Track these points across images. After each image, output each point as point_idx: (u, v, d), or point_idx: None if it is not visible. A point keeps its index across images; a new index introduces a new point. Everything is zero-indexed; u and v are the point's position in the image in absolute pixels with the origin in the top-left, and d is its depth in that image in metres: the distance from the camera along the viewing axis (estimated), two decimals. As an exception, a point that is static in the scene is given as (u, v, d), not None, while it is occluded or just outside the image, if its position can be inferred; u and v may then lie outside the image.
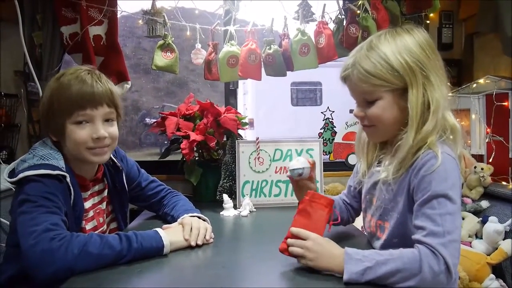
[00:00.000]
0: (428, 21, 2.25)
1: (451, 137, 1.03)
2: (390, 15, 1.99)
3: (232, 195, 1.87)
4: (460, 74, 2.40)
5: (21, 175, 1.08)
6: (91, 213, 1.28)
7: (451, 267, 0.90)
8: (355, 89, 1.06)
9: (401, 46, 1.00)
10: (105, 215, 1.35)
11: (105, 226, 1.35)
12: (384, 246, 1.08)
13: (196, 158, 1.96)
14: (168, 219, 1.44)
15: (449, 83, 1.06)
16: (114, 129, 1.22)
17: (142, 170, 1.52)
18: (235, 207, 1.75)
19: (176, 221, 1.31)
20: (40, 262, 0.96)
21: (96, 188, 1.32)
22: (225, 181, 1.92)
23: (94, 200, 1.31)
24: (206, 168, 1.95)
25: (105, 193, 1.36)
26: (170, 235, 1.15)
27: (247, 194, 1.81)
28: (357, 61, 1.02)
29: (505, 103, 2.05)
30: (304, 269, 1.00)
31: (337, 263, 0.95)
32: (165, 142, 2.14)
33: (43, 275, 0.95)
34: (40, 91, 1.90)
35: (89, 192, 1.29)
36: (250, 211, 1.70)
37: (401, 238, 1.04)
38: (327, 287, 0.92)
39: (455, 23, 2.38)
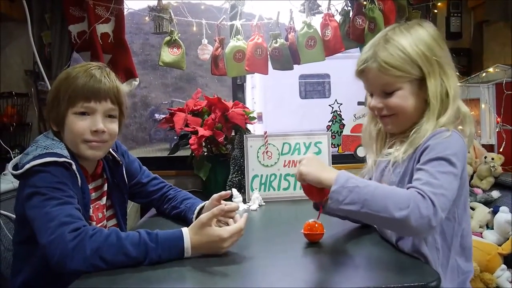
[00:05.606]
0: (436, 10, 2.23)
1: (460, 126, 1.05)
2: (397, 5, 1.97)
3: (241, 189, 1.88)
4: (469, 63, 2.37)
5: (27, 166, 1.07)
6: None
7: (438, 214, 0.88)
8: (374, 82, 1.07)
9: (416, 38, 1.04)
10: (104, 210, 1.34)
11: (105, 221, 1.33)
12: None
13: (205, 153, 1.98)
14: (179, 211, 1.42)
15: (457, 73, 1.09)
16: (114, 126, 1.22)
17: (144, 168, 1.51)
18: (244, 201, 1.76)
19: (192, 211, 1.34)
20: (59, 259, 0.97)
21: (93, 185, 1.31)
22: (234, 175, 1.94)
23: (93, 196, 1.29)
24: (215, 163, 1.96)
25: (105, 187, 1.34)
26: (197, 237, 1.05)
27: (256, 188, 1.82)
28: (377, 54, 1.04)
29: (515, 92, 2.03)
30: (315, 265, 1.01)
31: (326, 175, 0.96)
32: (175, 137, 2.15)
33: (64, 270, 0.97)
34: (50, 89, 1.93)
35: (90, 186, 1.27)
36: (259, 205, 1.71)
37: None
38: (339, 286, 0.92)
39: (464, 11, 2.34)
